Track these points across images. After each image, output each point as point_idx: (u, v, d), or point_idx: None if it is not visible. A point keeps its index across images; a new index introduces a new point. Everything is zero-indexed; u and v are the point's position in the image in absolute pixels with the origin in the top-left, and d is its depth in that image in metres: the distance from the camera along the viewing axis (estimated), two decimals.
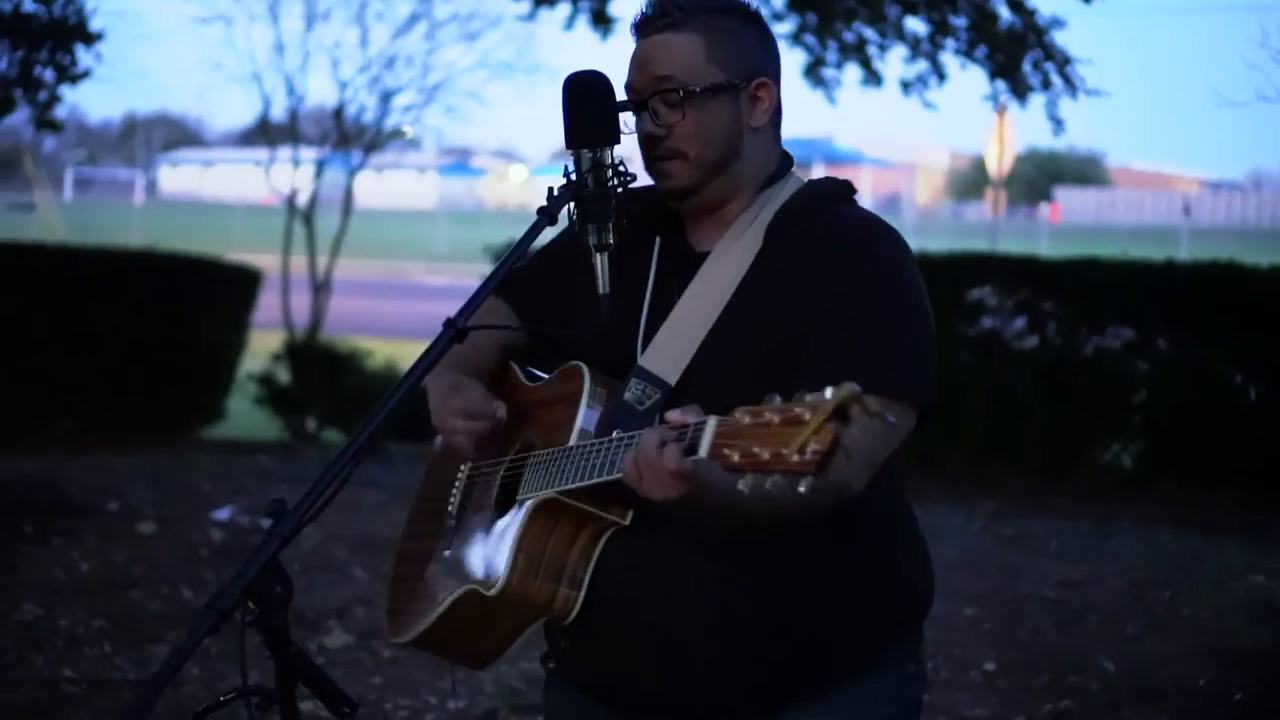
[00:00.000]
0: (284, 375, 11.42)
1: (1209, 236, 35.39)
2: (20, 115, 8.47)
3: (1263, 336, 8.38)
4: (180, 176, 71.79)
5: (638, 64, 2.17)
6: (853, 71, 10.74)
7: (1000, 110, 16.33)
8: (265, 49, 22.58)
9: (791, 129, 2.24)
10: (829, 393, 1.59)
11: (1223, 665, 5.54)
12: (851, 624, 2.16)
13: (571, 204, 2.08)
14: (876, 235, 2.13)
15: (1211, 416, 8.48)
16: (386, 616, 2.39)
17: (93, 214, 37.47)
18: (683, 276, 2.17)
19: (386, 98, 13.27)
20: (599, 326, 2.08)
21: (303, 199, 12.91)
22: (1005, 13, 9.96)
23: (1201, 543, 7.55)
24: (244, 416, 11.39)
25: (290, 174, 13.35)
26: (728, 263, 2.15)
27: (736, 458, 1.65)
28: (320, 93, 53.79)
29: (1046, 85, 10.14)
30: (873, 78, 10.68)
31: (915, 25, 10.34)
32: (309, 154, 13.59)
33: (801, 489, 1.60)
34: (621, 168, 2.08)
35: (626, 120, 2.14)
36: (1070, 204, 58.10)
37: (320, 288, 12.39)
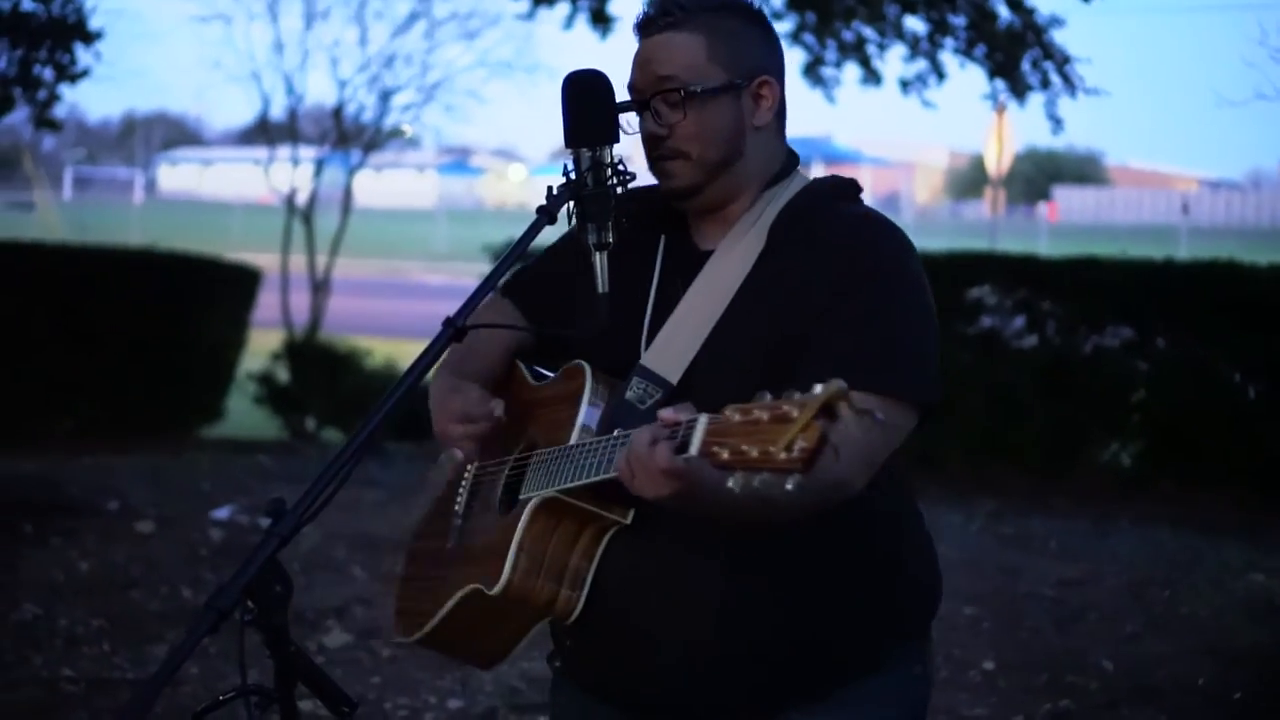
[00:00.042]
0: (283, 374, 11.41)
1: (1208, 236, 35.37)
2: (19, 114, 8.47)
3: (1262, 335, 8.38)
4: (179, 175, 71.80)
5: (640, 64, 2.17)
6: (852, 70, 10.73)
7: (999, 109, 16.34)
8: (264, 48, 22.55)
9: (790, 128, 2.24)
10: (817, 390, 1.59)
11: (1222, 664, 5.54)
12: (854, 624, 2.16)
13: (571, 203, 2.07)
14: (879, 233, 2.13)
15: (1211, 416, 8.48)
16: (394, 616, 2.39)
17: (92, 213, 37.37)
18: (686, 275, 2.17)
19: (386, 97, 13.28)
20: (599, 326, 2.08)
21: (302, 198, 12.89)
22: (1004, 12, 9.95)
23: (1201, 542, 7.55)
24: (243, 416, 11.38)
25: (289, 173, 13.33)
26: (730, 262, 2.15)
27: (726, 455, 1.64)
28: (319, 92, 53.84)
29: (1045, 84, 10.13)
30: (872, 77, 10.67)
31: (914, 24, 10.33)
32: (308, 153, 13.59)
33: (789, 486, 1.59)
34: (621, 166, 2.08)
35: (629, 120, 2.14)
36: (1069, 203, 58.10)
37: (319, 287, 12.38)
